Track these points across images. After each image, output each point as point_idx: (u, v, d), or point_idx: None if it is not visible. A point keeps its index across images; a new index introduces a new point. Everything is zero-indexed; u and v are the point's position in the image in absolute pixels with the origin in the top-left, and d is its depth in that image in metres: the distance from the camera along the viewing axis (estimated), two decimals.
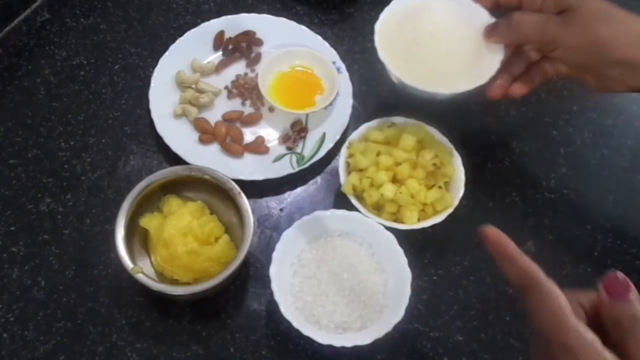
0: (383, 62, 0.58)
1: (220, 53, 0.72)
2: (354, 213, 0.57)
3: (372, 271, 0.56)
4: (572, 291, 0.40)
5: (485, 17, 0.57)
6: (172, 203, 0.56)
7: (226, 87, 0.70)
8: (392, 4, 0.59)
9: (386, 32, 0.58)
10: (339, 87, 0.68)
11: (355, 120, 0.67)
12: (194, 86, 0.69)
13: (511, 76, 0.57)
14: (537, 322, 0.37)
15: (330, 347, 0.51)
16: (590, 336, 0.35)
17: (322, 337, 0.50)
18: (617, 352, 0.34)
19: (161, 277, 0.55)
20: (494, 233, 0.43)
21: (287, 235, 0.55)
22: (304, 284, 0.55)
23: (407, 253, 0.55)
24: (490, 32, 0.56)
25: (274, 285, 0.52)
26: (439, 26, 0.58)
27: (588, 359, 0.34)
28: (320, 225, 0.57)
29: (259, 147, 0.65)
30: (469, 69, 0.57)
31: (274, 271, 0.53)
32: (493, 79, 0.56)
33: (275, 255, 0.53)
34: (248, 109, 0.69)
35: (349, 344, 0.50)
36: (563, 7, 0.52)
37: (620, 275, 0.38)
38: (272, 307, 0.55)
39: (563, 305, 0.37)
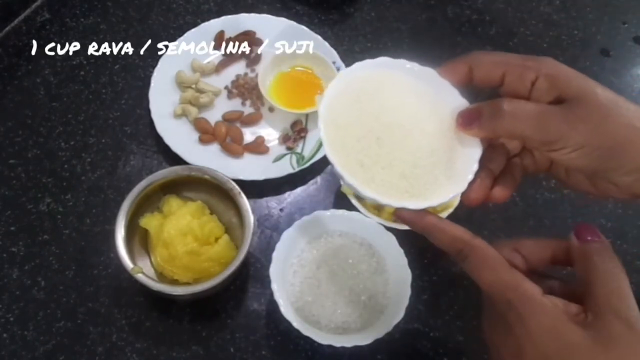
0: (332, 163, 0.40)
1: (220, 53, 0.72)
2: (354, 213, 0.57)
3: (372, 271, 0.56)
4: (508, 241, 0.41)
5: (456, 99, 0.42)
6: (172, 203, 0.56)
7: (226, 87, 0.70)
8: (337, 79, 0.41)
9: (335, 121, 0.41)
10: None
11: None
12: (194, 86, 0.69)
13: (492, 175, 0.44)
14: (480, 284, 0.39)
15: (330, 347, 0.50)
16: (528, 286, 0.36)
17: (322, 337, 0.50)
18: (577, 298, 0.37)
19: (161, 277, 0.55)
20: (407, 213, 0.41)
21: (287, 235, 0.55)
22: (304, 284, 0.55)
23: (407, 253, 0.55)
24: (468, 123, 0.41)
25: (274, 286, 0.52)
26: (405, 114, 0.41)
27: (527, 309, 0.36)
28: (320, 225, 0.57)
29: (259, 147, 0.65)
30: (443, 170, 0.41)
31: (274, 271, 0.53)
32: (471, 182, 0.42)
33: (275, 255, 0.53)
34: (248, 109, 0.69)
35: (349, 344, 0.50)
36: (561, 95, 0.40)
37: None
38: (272, 307, 0.56)
39: (498, 262, 0.38)
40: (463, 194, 0.42)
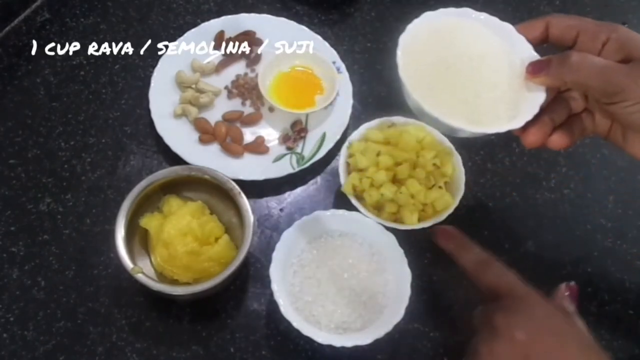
0: (403, 82, 0.45)
1: (220, 53, 0.72)
2: (354, 213, 0.57)
3: (372, 271, 0.56)
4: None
5: (527, 52, 0.47)
6: (172, 203, 0.56)
7: (226, 87, 0.70)
8: (421, 17, 0.48)
9: (411, 48, 0.46)
10: (339, 87, 0.68)
11: (355, 120, 0.67)
12: (194, 86, 0.69)
13: (552, 123, 0.47)
14: (495, 282, 0.47)
15: (330, 347, 0.51)
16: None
17: (322, 337, 0.50)
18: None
19: (161, 277, 0.55)
20: (449, 230, 0.52)
21: (287, 235, 0.55)
22: (304, 284, 0.55)
23: (407, 253, 0.55)
24: (537, 70, 0.45)
25: (274, 286, 0.52)
26: (476, 53, 0.47)
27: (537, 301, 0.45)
28: (320, 225, 0.57)
29: (259, 147, 0.65)
30: (505, 107, 0.46)
31: (274, 271, 0.53)
32: (529, 124, 0.46)
33: (275, 255, 0.53)
34: (248, 109, 0.69)
35: (349, 344, 0.50)
36: (628, 56, 0.44)
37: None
38: (272, 307, 0.55)
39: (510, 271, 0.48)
40: (521, 133, 0.46)
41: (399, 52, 0.45)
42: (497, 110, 0.46)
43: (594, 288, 0.61)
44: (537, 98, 0.46)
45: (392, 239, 0.55)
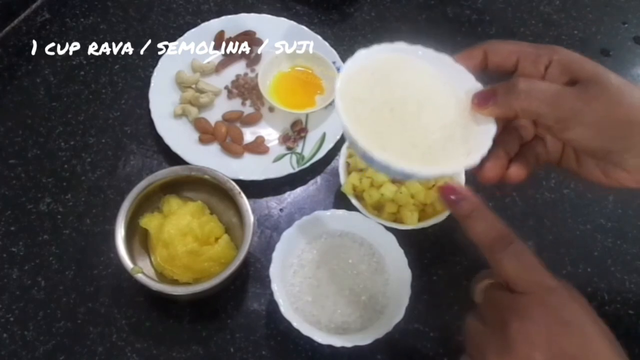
0: (346, 129, 0.41)
1: (220, 53, 0.72)
2: (354, 213, 0.57)
3: (372, 271, 0.56)
4: None
5: (470, 82, 0.44)
6: (172, 203, 0.56)
7: (226, 87, 0.70)
8: (354, 58, 0.44)
9: (351, 94, 0.42)
10: None
11: None
12: (194, 86, 0.69)
13: (507, 156, 0.44)
14: (514, 275, 0.39)
15: (330, 347, 0.50)
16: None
17: (322, 337, 0.50)
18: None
19: (161, 277, 0.55)
20: (458, 188, 0.42)
21: (287, 235, 0.55)
22: (304, 284, 0.55)
23: (407, 253, 0.55)
24: (484, 101, 0.42)
25: (274, 286, 0.52)
26: (418, 91, 0.43)
27: (568, 308, 0.37)
28: (320, 225, 0.57)
29: (259, 147, 0.65)
30: (457, 144, 0.42)
31: (274, 271, 0.53)
32: (484, 160, 0.42)
33: (275, 255, 0.53)
34: (248, 109, 0.69)
35: (349, 344, 0.50)
36: (574, 78, 0.42)
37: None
38: (272, 307, 0.55)
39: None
40: (478, 170, 0.43)
41: (338, 100, 0.41)
42: (450, 149, 0.42)
43: (594, 288, 0.61)
44: (488, 131, 0.42)
45: (392, 239, 0.55)
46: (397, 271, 0.55)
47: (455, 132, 0.42)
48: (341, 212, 0.57)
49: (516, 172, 0.44)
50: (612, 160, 0.42)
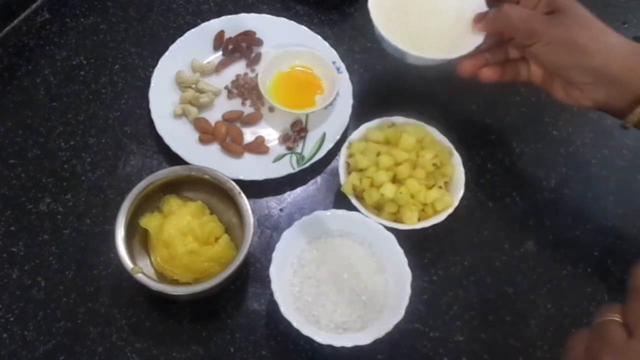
0: (370, 14, 0.61)
1: (220, 53, 0.72)
2: (354, 213, 0.57)
3: (372, 271, 0.56)
4: None
5: (480, 4, 0.59)
6: (172, 203, 0.56)
7: (226, 87, 0.70)
8: None
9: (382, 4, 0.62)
10: (339, 87, 0.68)
11: (355, 120, 0.67)
12: (194, 86, 0.69)
13: (485, 60, 0.58)
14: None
15: (330, 347, 0.50)
16: None
17: (322, 337, 0.50)
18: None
19: (161, 277, 0.55)
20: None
21: (287, 235, 0.55)
22: (304, 284, 0.55)
23: (407, 253, 0.55)
24: (479, 19, 0.58)
25: (274, 286, 0.52)
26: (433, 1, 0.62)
27: None
28: (320, 225, 0.57)
29: (259, 147, 0.65)
30: (447, 41, 0.60)
31: (274, 271, 0.53)
32: (467, 57, 0.58)
33: (275, 255, 0.53)
34: (248, 109, 0.69)
35: (349, 343, 0.50)
36: (554, 8, 0.54)
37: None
38: (272, 307, 0.55)
39: None
40: (459, 65, 0.58)
41: (372, 12, 0.60)
42: (439, 42, 0.60)
43: (594, 288, 0.61)
44: (475, 40, 0.58)
45: (392, 239, 0.55)
46: (397, 271, 0.55)
47: (449, 31, 0.60)
48: (341, 212, 0.57)
49: (488, 71, 0.58)
50: (567, 76, 0.54)
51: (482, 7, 0.59)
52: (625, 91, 0.53)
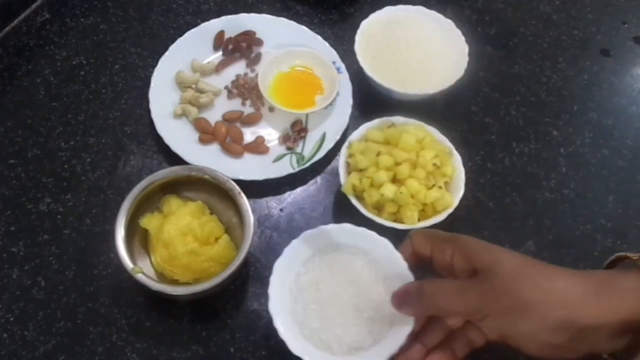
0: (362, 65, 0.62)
1: (220, 53, 0.72)
2: (342, 225, 0.53)
3: (372, 281, 0.51)
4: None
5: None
6: (172, 203, 0.56)
7: (226, 87, 0.70)
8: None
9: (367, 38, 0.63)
10: (339, 87, 0.68)
11: (355, 120, 0.67)
12: (194, 86, 0.69)
13: (424, 349, 0.47)
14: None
15: None
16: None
17: None
18: None
19: (161, 277, 0.55)
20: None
21: (279, 264, 0.51)
22: (307, 310, 0.50)
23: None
24: (400, 303, 0.46)
25: (279, 325, 0.48)
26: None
27: None
28: (310, 244, 0.53)
29: (259, 147, 0.65)
30: (432, 77, 0.63)
31: (274, 307, 0.49)
32: (402, 351, 0.47)
33: (271, 291, 0.50)
34: (248, 109, 0.69)
35: None
36: (474, 266, 0.44)
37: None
38: None
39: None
40: None
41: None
42: (422, 78, 0.61)
43: None
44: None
45: (386, 244, 0.52)
46: (398, 277, 0.50)
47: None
48: (329, 227, 0.53)
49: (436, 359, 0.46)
50: (535, 339, 0.43)
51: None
52: (610, 336, 0.42)
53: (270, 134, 0.67)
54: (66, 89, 0.69)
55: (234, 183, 0.56)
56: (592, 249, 0.63)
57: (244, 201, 0.55)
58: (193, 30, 0.72)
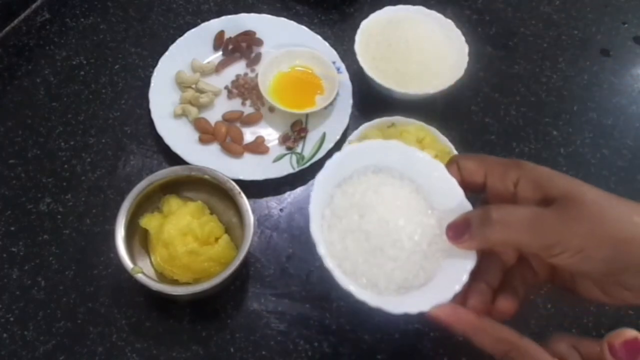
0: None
1: (220, 53, 0.72)
2: (391, 142, 0.44)
3: (422, 211, 0.42)
4: (566, 335, 0.38)
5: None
6: (172, 203, 0.56)
7: (226, 87, 0.70)
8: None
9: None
10: (339, 87, 0.68)
11: (355, 120, 0.67)
12: (194, 86, 0.69)
13: (490, 289, 0.40)
14: None
15: (329, 346, 0.50)
16: None
17: (386, 302, 0.39)
18: None
19: (161, 277, 0.55)
20: (442, 312, 0.38)
21: (321, 177, 0.44)
22: (347, 239, 0.41)
23: None
24: (458, 235, 0.39)
25: (321, 249, 0.39)
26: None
27: None
28: (351, 162, 0.45)
29: (259, 147, 0.65)
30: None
31: (315, 229, 0.40)
32: (464, 292, 0.39)
33: (312, 208, 0.41)
34: (248, 109, 0.69)
35: (414, 309, 0.40)
36: (547, 195, 0.38)
37: (630, 335, 0.35)
38: (272, 307, 0.56)
39: None
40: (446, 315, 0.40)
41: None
42: (422, 78, 0.61)
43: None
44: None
45: (440, 168, 0.43)
46: (451, 207, 0.42)
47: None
48: (374, 143, 0.45)
49: (504, 305, 0.40)
50: (610, 280, 0.38)
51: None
52: None
53: (270, 134, 0.67)
54: (66, 89, 0.69)
55: (234, 183, 0.56)
56: None
57: (244, 201, 0.55)
58: (193, 30, 0.72)
